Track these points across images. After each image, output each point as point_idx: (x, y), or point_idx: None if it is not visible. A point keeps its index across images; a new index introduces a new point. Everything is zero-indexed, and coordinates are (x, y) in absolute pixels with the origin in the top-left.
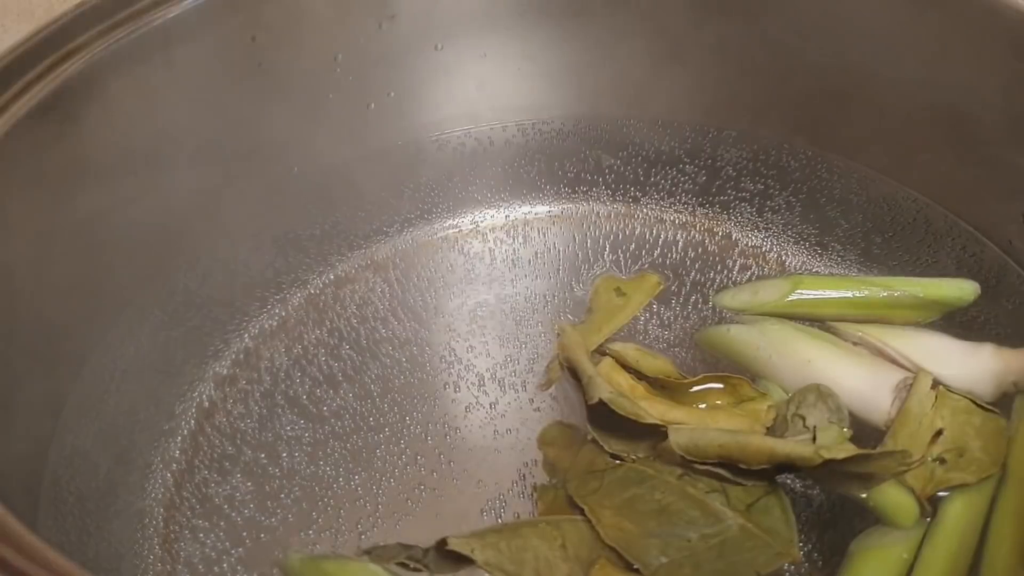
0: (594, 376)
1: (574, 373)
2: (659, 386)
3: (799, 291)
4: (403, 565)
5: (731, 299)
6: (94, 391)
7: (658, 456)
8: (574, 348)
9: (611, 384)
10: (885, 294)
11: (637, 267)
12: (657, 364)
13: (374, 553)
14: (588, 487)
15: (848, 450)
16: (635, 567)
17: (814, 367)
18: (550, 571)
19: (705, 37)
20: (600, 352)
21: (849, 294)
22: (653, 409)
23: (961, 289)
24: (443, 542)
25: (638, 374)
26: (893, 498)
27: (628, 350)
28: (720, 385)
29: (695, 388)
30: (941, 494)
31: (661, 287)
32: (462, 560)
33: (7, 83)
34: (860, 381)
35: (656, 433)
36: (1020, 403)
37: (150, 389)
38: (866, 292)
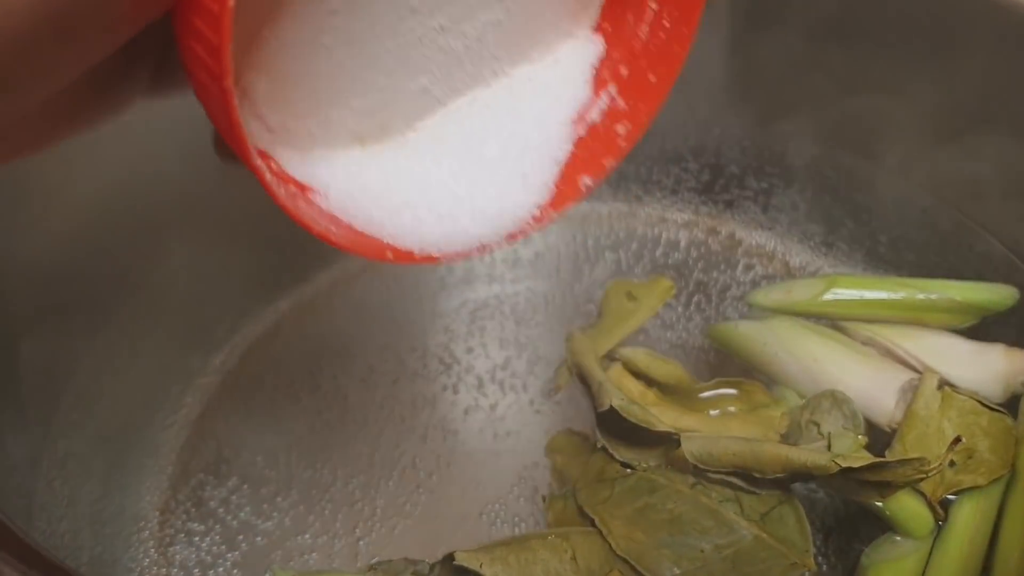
0: (604, 382)
1: (583, 379)
2: (670, 392)
3: (833, 291)
4: None
5: (764, 297)
6: (88, 393)
7: (670, 464)
8: (583, 354)
9: (621, 390)
10: (922, 297)
11: (639, 267)
12: (668, 369)
13: (380, 570)
14: (598, 496)
15: (865, 459)
16: None
17: (821, 365)
18: None
19: (709, 34)
20: (610, 357)
21: (885, 296)
22: (664, 416)
23: (999, 294)
24: (450, 556)
25: (648, 380)
26: (908, 508)
27: (638, 355)
28: (733, 391)
29: (707, 393)
30: (949, 497)
31: (674, 292)
32: (470, 575)
33: None
34: (866, 381)
35: (668, 441)
36: None
37: (145, 391)
38: (902, 294)
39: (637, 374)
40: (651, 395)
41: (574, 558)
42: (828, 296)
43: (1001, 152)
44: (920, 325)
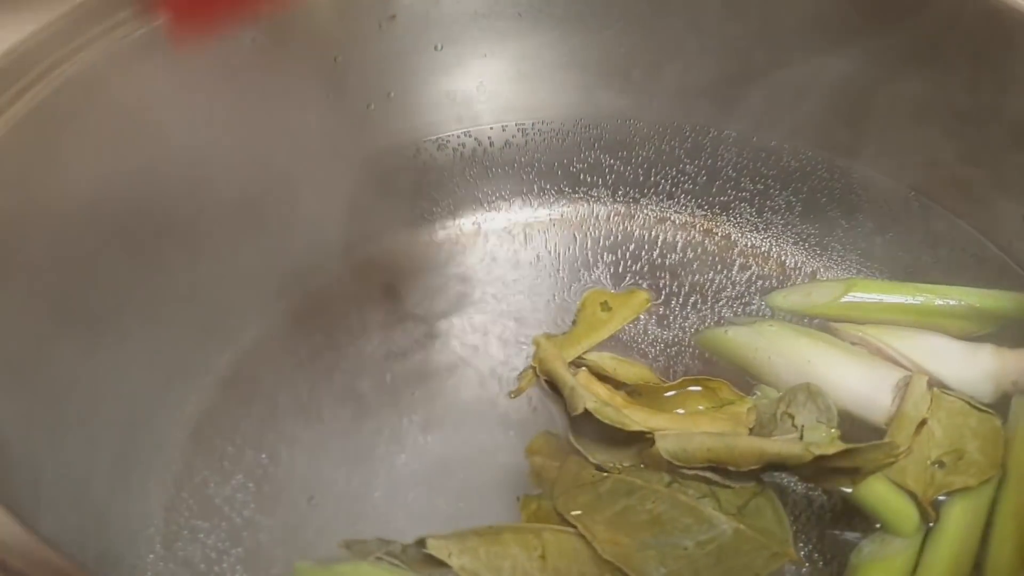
0: (576, 387)
1: (553, 385)
2: (636, 394)
3: (853, 294)
4: (381, 560)
5: (783, 300)
6: (95, 391)
7: (644, 463)
8: (552, 360)
9: (591, 394)
10: (941, 303)
11: (637, 268)
12: (635, 371)
13: (354, 547)
14: (577, 502)
15: (836, 446)
16: None
17: (813, 367)
18: None
19: (705, 37)
20: (576, 364)
21: (904, 300)
22: (635, 417)
23: (1019, 302)
24: (422, 541)
25: (615, 383)
26: (895, 506)
27: (604, 359)
28: (698, 388)
29: (673, 392)
30: (940, 498)
31: (649, 304)
32: (440, 561)
33: (7, 83)
34: (860, 381)
35: (641, 440)
36: (1018, 404)
37: (151, 389)
38: (921, 299)
39: (604, 378)
40: (619, 398)
41: (543, 556)
42: (848, 299)
43: (994, 154)
44: (912, 326)
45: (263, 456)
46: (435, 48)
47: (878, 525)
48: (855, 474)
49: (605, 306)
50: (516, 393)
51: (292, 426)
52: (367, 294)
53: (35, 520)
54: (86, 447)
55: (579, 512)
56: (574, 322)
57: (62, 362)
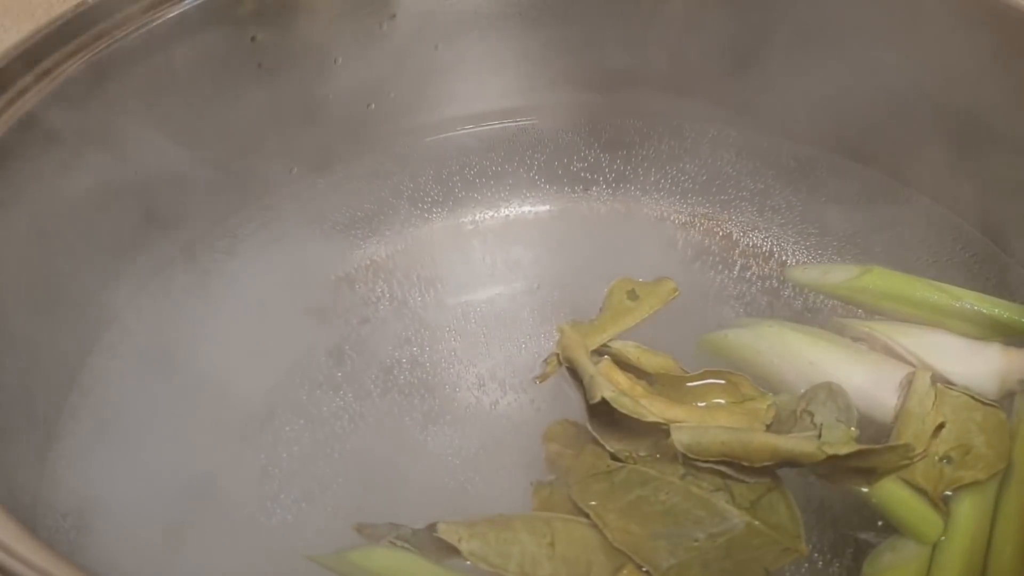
0: (596, 375)
1: (574, 373)
2: (658, 385)
3: (869, 279)
4: (393, 544)
5: (802, 274)
6: (94, 392)
7: (660, 454)
8: (574, 348)
9: (611, 383)
10: (956, 304)
11: (637, 267)
12: (658, 360)
13: (365, 531)
14: (591, 491)
15: (851, 446)
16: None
17: (817, 368)
18: (534, 568)
19: (706, 37)
20: (598, 352)
21: (917, 295)
22: (653, 407)
23: None
24: (433, 526)
25: (637, 373)
26: (919, 512)
27: (628, 348)
28: (721, 381)
29: (695, 383)
30: (947, 494)
31: (677, 294)
32: (450, 546)
33: (7, 83)
34: (865, 379)
35: (657, 432)
36: (1022, 402)
37: (150, 389)
38: (935, 297)
39: (626, 368)
40: (639, 388)
41: (552, 544)
42: (862, 283)
43: (995, 153)
44: (919, 323)
45: (262, 456)
46: (435, 48)
47: (896, 543)
48: (870, 474)
49: (632, 294)
50: (542, 378)
51: (292, 426)
52: (366, 294)
53: (35, 519)
54: (85, 447)
55: (593, 501)
56: (601, 310)
57: (62, 366)
